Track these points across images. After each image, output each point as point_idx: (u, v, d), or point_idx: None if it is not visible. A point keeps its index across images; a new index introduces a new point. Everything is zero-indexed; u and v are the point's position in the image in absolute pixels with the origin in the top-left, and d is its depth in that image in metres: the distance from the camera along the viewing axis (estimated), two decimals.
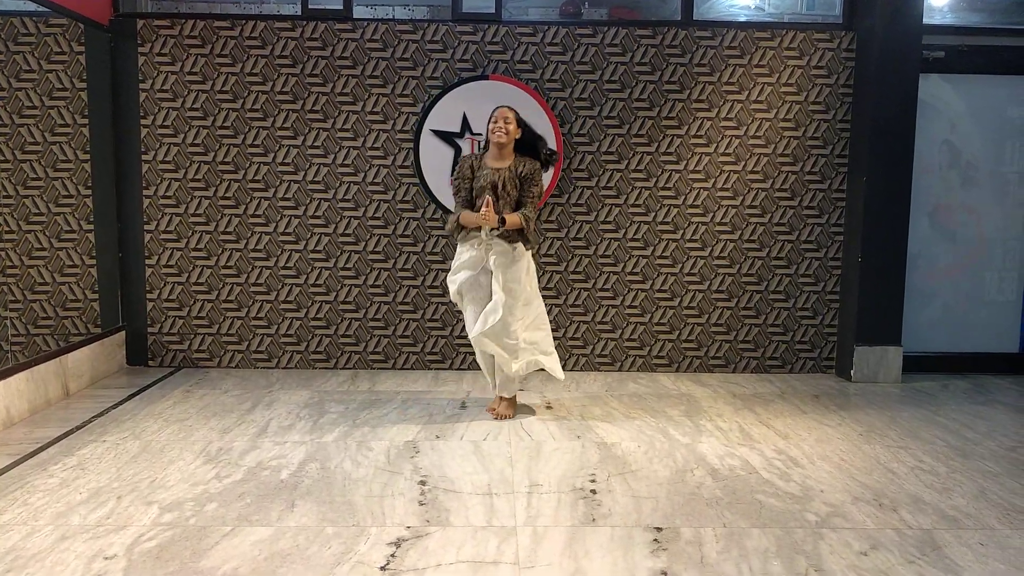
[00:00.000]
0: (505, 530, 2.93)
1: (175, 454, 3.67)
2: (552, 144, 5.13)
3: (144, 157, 5.23)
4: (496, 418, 4.31)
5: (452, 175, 4.22)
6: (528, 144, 4.24)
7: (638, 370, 5.48)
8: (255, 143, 5.24)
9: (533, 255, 4.40)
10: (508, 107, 4.23)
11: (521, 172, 4.18)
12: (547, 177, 5.20)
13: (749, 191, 5.36)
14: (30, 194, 5.08)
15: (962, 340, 5.60)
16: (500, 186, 4.15)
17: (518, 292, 4.19)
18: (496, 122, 4.16)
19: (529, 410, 4.45)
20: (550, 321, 5.36)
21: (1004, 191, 5.53)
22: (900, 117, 5.13)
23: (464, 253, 4.23)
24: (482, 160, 4.23)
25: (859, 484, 3.43)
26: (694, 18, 5.31)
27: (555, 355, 4.43)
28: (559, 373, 4.41)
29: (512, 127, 4.16)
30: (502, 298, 4.10)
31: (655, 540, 2.86)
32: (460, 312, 5.32)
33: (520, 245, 4.19)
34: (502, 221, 4.06)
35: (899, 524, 3.03)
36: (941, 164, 5.50)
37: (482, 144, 4.33)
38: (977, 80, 5.43)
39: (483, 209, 4.05)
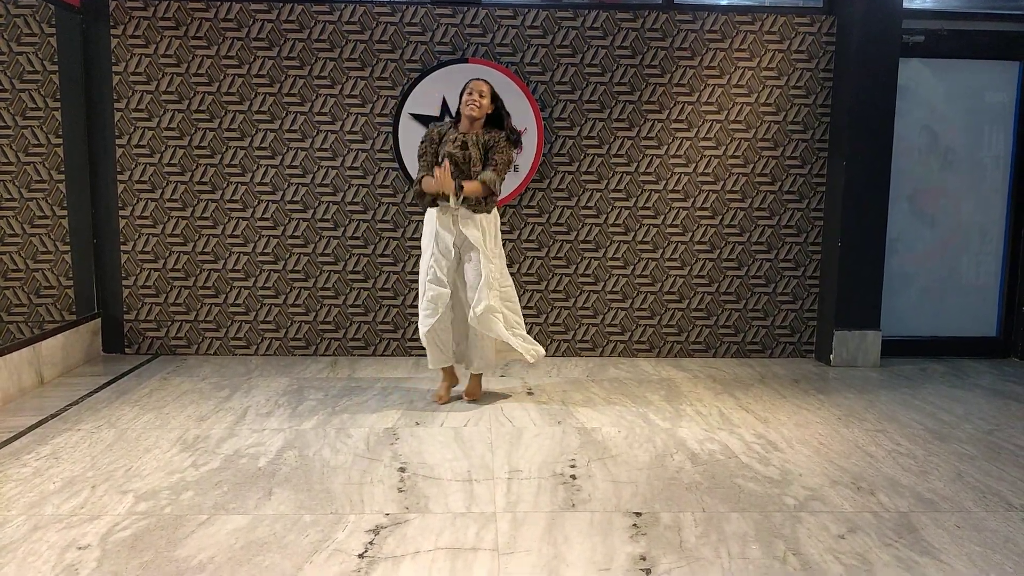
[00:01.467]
0: (484, 516, 2.92)
1: (151, 442, 3.62)
2: (532, 126, 5.12)
3: (118, 141, 5.15)
4: (471, 400, 4.33)
5: (420, 144, 4.20)
6: (496, 119, 4.20)
7: (619, 355, 5.48)
8: (231, 127, 5.17)
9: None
10: (484, 80, 4.18)
11: (487, 139, 4.14)
12: (528, 160, 5.18)
13: (730, 176, 5.36)
14: (1, 179, 4.99)
15: (940, 324, 5.64)
16: (465, 152, 4.08)
17: (499, 259, 4.23)
18: (471, 94, 4.09)
19: (510, 396, 4.44)
20: (532, 307, 5.37)
21: (982, 175, 5.56)
22: (880, 101, 5.14)
23: (431, 225, 4.17)
24: (451, 131, 4.18)
25: (837, 468, 3.45)
26: (675, 2, 5.28)
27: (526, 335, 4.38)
28: (530, 356, 4.28)
29: (486, 101, 4.11)
30: (489, 272, 4.09)
31: (634, 525, 2.86)
32: None
33: (487, 213, 4.17)
34: (460, 187, 3.99)
35: (876, 507, 3.05)
36: (920, 148, 5.52)
37: (452, 114, 4.27)
38: (957, 64, 5.44)
39: (437, 172, 3.97)
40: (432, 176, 4.08)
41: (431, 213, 4.20)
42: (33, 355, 4.48)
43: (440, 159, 4.10)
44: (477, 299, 4.08)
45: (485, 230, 4.15)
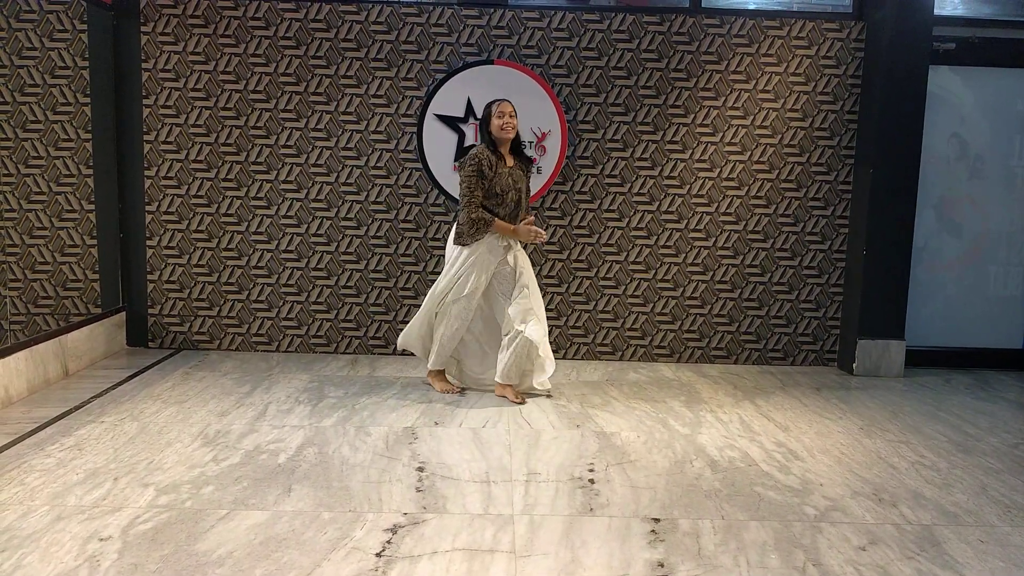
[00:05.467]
0: (502, 518, 2.92)
1: (173, 436, 3.66)
2: (556, 128, 5.14)
3: (146, 138, 5.20)
4: (520, 401, 4.36)
5: (465, 166, 4.24)
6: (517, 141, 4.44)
7: (639, 360, 5.46)
8: (258, 125, 5.20)
9: None
10: (508, 100, 4.33)
11: (528, 169, 4.45)
12: (551, 162, 5.18)
13: (755, 181, 5.32)
14: (31, 173, 5.06)
15: (966, 335, 5.57)
16: (525, 190, 4.38)
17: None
18: (501, 117, 4.24)
19: (529, 398, 4.43)
20: (552, 309, 5.36)
21: (1012, 185, 5.48)
22: (909, 109, 5.08)
23: (479, 258, 4.29)
24: (495, 158, 4.26)
25: (859, 478, 3.42)
26: (702, 5, 5.25)
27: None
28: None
29: (516, 121, 4.30)
30: (535, 293, 4.40)
31: (652, 531, 2.84)
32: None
33: None
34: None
35: (898, 519, 3.01)
36: (949, 157, 5.45)
37: (479, 139, 4.37)
38: (988, 73, 5.37)
39: (532, 228, 4.27)
40: (493, 215, 4.28)
41: (483, 245, 4.29)
42: (59, 347, 4.53)
43: (502, 193, 4.25)
44: (532, 323, 4.31)
45: (527, 257, 4.49)
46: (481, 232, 4.24)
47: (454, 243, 4.36)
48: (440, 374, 4.54)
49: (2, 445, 3.48)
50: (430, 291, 4.47)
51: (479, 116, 5.13)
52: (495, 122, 4.23)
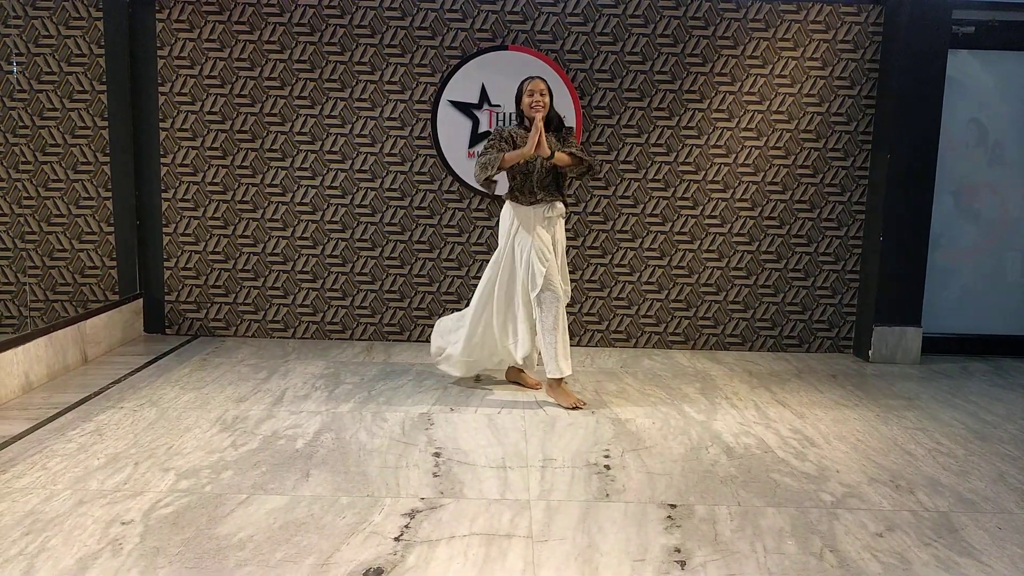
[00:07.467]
0: (519, 503, 2.93)
1: (191, 421, 3.69)
2: (571, 114, 5.10)
3: (162, 124, 5.22)
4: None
5: (487, 141, 4.09)
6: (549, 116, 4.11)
7: (654, 347, 5.46)
8: (272, 112, 5.21)
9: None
10: (540, 78, 4.09)
11: (562, 136, 4.13)
12: None
13: (770, 167, 5.29)
14: (49, 160, 5.09)
15: (983, 322, 5.53)
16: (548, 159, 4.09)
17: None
18: (532, 95, 4.02)
19: (543, 384, 4.44)
20: None
21: None
22: (927, 94, 5.03)
23: (533, 225, 4.09)
24: (523, 131, 4.09)
25: (876, 465, 3.41)
26: None
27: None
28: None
29: (547, 99, 4.03)
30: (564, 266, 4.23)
31: (669, 517, 2.85)
32: (475, 285, 5.32)
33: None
34: (551, 154, 3.94)
35: (915, 506, 3.01)
36: (967, 142, 5.40)
37: (513, 117, 4.26)
38: (1007, 56, 5.31)
39: (533, 136, 3.86)
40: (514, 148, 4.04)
41: (524, 213, 4.11)
42: (78, 334, 4.57)
43: (531, 159, 4.02)
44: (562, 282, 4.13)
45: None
46: (492, 166, 3.95)
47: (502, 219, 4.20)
48: (560, 382, 4.16)
49: (24, 430, 3.52)
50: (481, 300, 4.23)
51: (493, 102, 5.14)
52: (525, 99, 4.05)
